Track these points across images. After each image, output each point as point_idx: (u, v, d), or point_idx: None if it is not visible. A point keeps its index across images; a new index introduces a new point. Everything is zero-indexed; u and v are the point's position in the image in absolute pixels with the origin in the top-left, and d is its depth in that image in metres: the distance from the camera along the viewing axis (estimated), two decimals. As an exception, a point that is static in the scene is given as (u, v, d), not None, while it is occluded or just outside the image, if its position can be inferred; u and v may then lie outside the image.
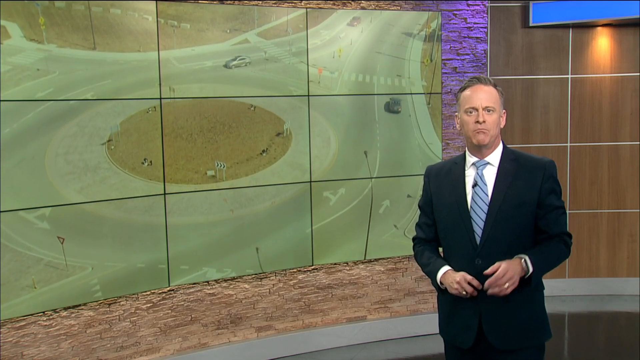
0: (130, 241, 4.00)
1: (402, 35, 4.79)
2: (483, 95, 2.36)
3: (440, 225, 2.50)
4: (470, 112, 2.37)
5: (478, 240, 2.35)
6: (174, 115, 4.13)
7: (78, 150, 3.77)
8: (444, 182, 2.48)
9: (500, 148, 2.43)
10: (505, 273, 2.21)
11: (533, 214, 2.36)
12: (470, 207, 2.38)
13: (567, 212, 5.88)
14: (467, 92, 2.39)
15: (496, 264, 2.24)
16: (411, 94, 4.84)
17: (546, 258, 2.35)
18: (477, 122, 2.35)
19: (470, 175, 2.42)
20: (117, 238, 3.95)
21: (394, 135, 4.84)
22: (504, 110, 2.43)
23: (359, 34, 4.68)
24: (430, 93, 4.90)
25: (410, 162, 4.88)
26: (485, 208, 2.35)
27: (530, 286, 2.31)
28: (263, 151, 4.43)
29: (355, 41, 4.69)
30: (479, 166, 2.40)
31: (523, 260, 2.27)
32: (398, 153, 4.86)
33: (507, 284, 2.21)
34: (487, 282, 2.23)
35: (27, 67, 3.56)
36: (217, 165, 4.28)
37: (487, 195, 2.36)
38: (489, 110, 2.35)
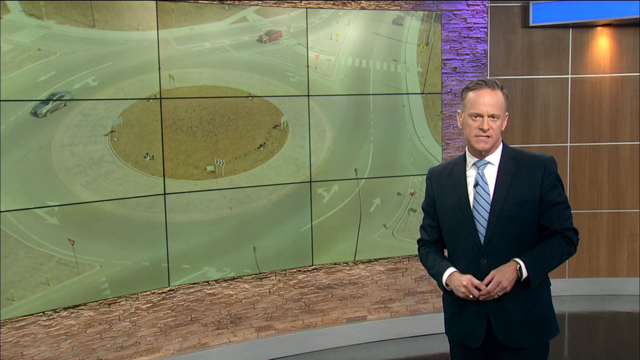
0: (135, 239, 4.01)
1: (401, 13, 4.75)
2: (489, 101, 2.35)
3: (444, 226, 2.51)
4: (475, 118, 2.38)
5: (482, 239, 2.37)
6: (174, 105, 4.13)
7: (82, 141, 3.78)
8: (446, 183, 2.49)
9: (500, 147, 2.44)
10: (497, 285, 2.28)
11: (536, 211, 2.37)
12: (473, 207, 2.39)
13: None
14: (473, 95, 2.38)
15: (490, 275, 2.30)
16: (407, 93, 4.81)
17: (544, 260, 2.35)
18: (481, 129, 2.36)
19: (471, 175, 2.43)
20: (123, 236, 3.96)
21: (388, 127, 4.79)
22: (506, 113, 2.44)
23: (357, 13, 4.65)
24: (425, 92, 4.88)
25: (401, 157, 4.84)
26: (488, 207, 2.37)
27: (530, 288, 2.34)
28: (260, 145, 4.42)
29: (353, 20, 4.64)
30: (479, 166, 2.42)
31: (518, 267, 2.31)
32: (391, 147, 4.82)
33: (498, 294, 2.30)
34: (481, 292, 2.31)
35: (29, 46, 3.55)
36: (217, 162, 4.28)
37: (489, 195, 2.38)
38: (493, 118, 2.36)
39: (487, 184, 2.39)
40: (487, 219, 2.36)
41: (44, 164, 3.64)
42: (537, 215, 2.38)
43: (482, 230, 2.37)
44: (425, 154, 4.88)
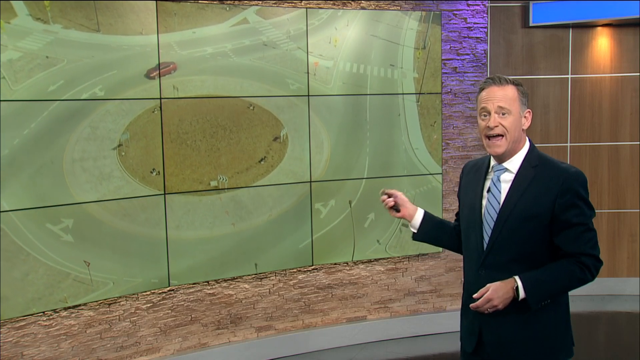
0: (145, 256, 4.05)
1: (399, 13, 4.73)
2: (495, 95, 2.19)
3: (462, 224, 2.42)
4: (484, 116, 2.22)
5: (485, 249, 2.25)
6: (179, 117, 4.11)
7: (92, 155, 3.79)
8: (471, 179, 2.38)
9: (523, 152, 2.25)
10: (489, 301, 2.14)
11: (545, 228, 2.17)
12: (484, 213, 2.26)
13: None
14: (482, 94, 2.24)
15: (485, 288, 2.17)
16: (403, 94, 4.78)
17: (548, 283, 2.16)
18: (488, 126, 2.19)
19: (489, 178, 2.30)
20: (134, 253, 3.99)
21: (384, 138, 4.77)
22: (527, 110, 2.23)
23: (355, 13, 4.62)
24: (420, 93, 4.84)
25: (395, 169, 4.81)
26: (495, 217, 2.22)
27: (530, 309, 2.17)
28: (261, 159, 4.41)
29: (351, 21, 4.62)
30: (496, 171, 2.28)
31: (515, 286, 2.14)
32: (385, 158, 4.79)
33: (488, 310, 2.16)
34: (471, 306, 2.19)
35: (37, 54, 3.56)
36: (220, 178, 4.28)
37: (499, 204, 2.23)
38: (503, 113, 2.18)
39: (499, 192, 2.23)
40: (492, 229, 2.23)
41: (57, 179, 3.67)
42: (548, 233, 2.17)
43: (487, 239, 2.25)
44: (419, 166, 4.85)
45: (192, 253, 4.23)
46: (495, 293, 2.14)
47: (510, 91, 2.20)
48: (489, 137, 2.21)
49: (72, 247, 3.74)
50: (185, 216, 4.18)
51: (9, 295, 3.54)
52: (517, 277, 2.16)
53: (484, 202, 2.28)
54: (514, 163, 2.24)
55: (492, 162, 2.31)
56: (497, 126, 2.18)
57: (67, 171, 3.70)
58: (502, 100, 2.18)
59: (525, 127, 2.24)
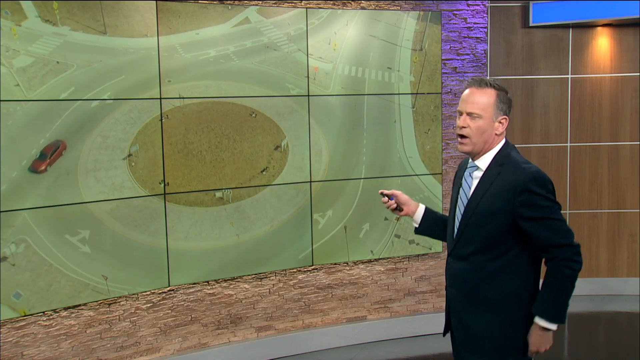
0: (155, 267, 4.07)
1: (398, 12, 4.71)
2: (470, 99, 2.30)
3: (448, 217, 2.56)
4: (460, 114, 2.34)
5: (454, 239, 2.42)
6: (185, 125, 4.10)
7: (104, 166, 3.81)
8: (459, 175, 2.53)
9: (494, 152, 2.34)
10: (538, 350, 2.28)
11: (505, 226, 2.25)
12: (457, 207, 2.41)
13: (567, 212, 5.85)
14: (463, 94, 2.37)
15: (531, 345, 2.30)
16: (399, 94, 4.76)
17: (557, 301, 2.24)
18: (459, 125, 2.32)
19: (466, 175, 2.45)
20: (144, 262, 4.02)
21: (379, 146, 4.75)
22: (503, 117, 2.31)
23: (354, 13, 4.61)
24: (420, 93, 4.83)
25: (390, 179, 4.79)
26: (463, 211, 2.37)
27: (488, 305, 2.32)
28: (263, 170, 4.40)
29: (351, 20, 4.61)
30: (469, 167, 2.41)
31: (542, 326, 2.25)
32: (381, 167, 4.77)
33: (543, 349, 2.29)
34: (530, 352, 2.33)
35: (48, 59, 3.56)
36: (225, 189, 4.28)
37: (467, 199, 2.36)
38: (473, 117, 2.29)
39: (469, 188, 2.37)
40: (459, 223, 2.39)
41: (73, 190, 3.70)
42: (512, 228, 2.26)
43: (457, 231, 2.41)
44: (413, 176, 4.84)
45: (199, 264, 4.24)
46: (536, 345, 2.28)
47: (486, 96, 2.29)
48: (459, 136, 2.35)
49: (90, 258, 3.78)
50: (193, 227, 4.19)
51: (36, 304, 3.60)
52: (535, 318, 2.25)
53: (459, 196, 2.42)
54: (484, 161, 2.35)
55: (469, 159, 2.45)
56: (464, 127, 2.31)
57: (81, 182, 3.72)
58: (475, 105, 2.29)
59: (498, 132, 2.31)
